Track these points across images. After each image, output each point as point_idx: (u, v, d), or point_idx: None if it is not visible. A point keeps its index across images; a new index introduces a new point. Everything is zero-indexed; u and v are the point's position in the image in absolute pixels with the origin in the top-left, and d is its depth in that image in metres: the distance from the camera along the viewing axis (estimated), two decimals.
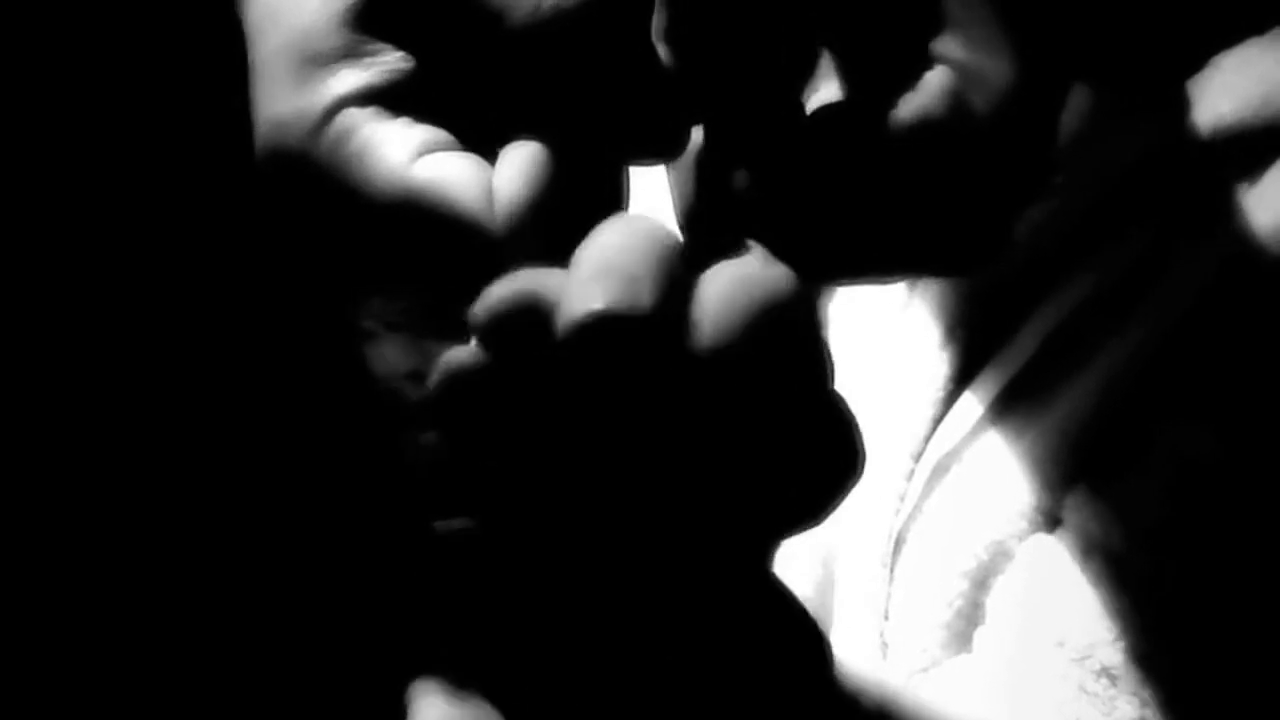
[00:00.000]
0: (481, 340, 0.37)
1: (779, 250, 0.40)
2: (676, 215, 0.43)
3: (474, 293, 0.39)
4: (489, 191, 0.40)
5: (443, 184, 0.40)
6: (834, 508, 0.39)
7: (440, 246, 0.40)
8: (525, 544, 0.37)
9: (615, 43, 0.40)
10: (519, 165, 0.40)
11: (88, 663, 0.85)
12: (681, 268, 0.37)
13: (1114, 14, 0.56)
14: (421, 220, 0.40)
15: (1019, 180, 0.42)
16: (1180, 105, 0.55)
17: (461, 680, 0.40)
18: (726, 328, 0.36)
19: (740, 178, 0.41)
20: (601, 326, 0.36)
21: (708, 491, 0.37)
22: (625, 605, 0.37)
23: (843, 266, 0.42)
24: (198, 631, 0.85)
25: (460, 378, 0.37)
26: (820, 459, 0.38)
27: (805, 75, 0.42)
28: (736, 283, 0.37)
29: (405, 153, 0.40)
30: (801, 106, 0.42)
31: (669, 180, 0.43)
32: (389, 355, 0.43)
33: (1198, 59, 0.55)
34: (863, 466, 0.39)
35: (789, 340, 0.37)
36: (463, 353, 0.37)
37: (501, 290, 0.37)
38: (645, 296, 0.36)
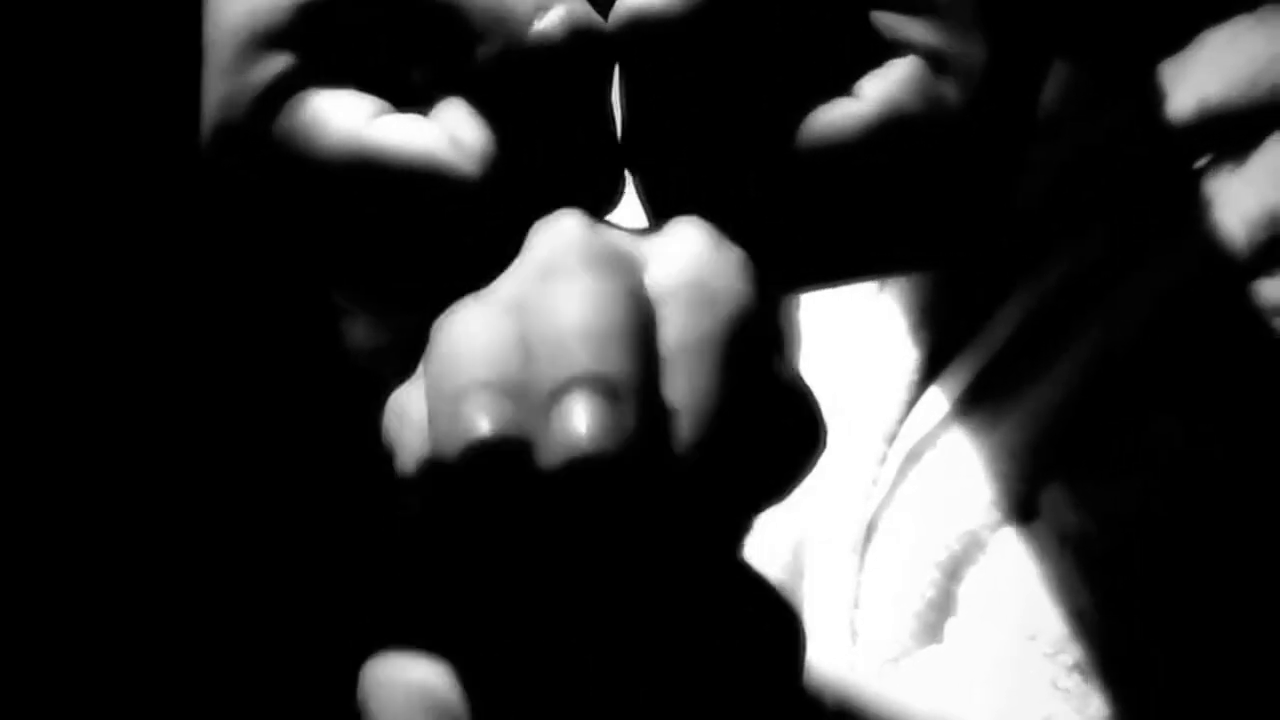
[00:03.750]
0: (453, 488, 0.36)
1: (755, 257, 0.39)
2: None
3: (453, 247, 0.39)
4: (453, 139, 0.39)
5: (404, 137, 0.39)
6: (799, 483, 0.38)
7: (411, 199, 0.39)
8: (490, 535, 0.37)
9: (592, 81, 0.40)
10: (470, 117, 0.40)
11: (88, 663, 0.85)
12: (646, 318, 0.36)
13: None
14: (388, 174, 0.39)
15: (998, 166, 0.41)
16: (1159, 85, 0.54)
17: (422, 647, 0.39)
18: (710, 406, 0.36)
19: (711, 180, 0.40)
20: (586, 472, 0.35)
21: (672, 474, 0.36)
22: (596, 591, 0.36)
23: (821, 269, 0.41)
24: (187, 629, 0.85)
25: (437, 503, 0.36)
26: (784, 435, 0.37)
27: (775, 74, 0.41)
28: (696, 311, 0.36)
29: (360, 116, 0.39)
30: (770, 103, 0.41)
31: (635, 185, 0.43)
32: (359, 332, 0.43)
33: (1184, 34, 0.54)
34: (825, 441, 0.38)
35: (749, 336, 0.37)
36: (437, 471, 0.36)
37: (470, 432, 0.36)
38: (630, 419, 0.35)
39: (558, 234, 0.37)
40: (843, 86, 0.40)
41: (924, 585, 0.53)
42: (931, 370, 0.55)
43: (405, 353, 0.41)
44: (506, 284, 0.38)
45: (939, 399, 0.54)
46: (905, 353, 0.56)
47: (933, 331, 0.56)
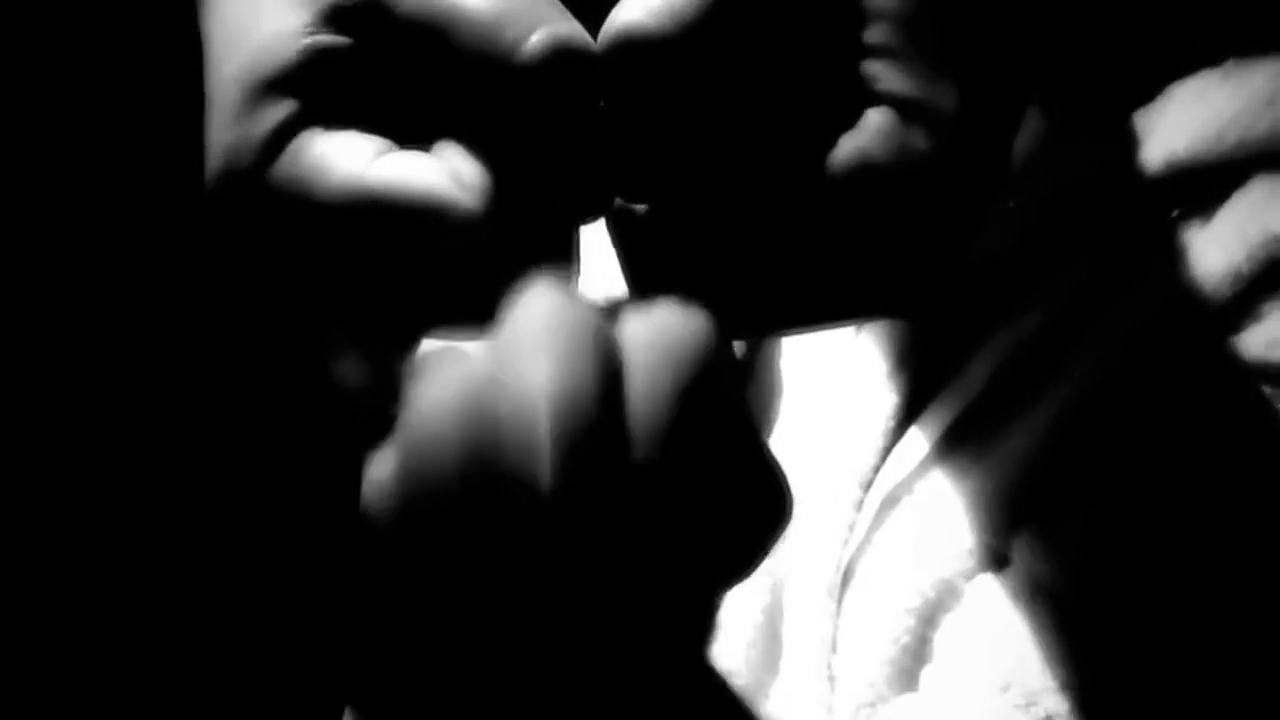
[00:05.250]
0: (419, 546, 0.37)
1: (724, 305, 0.40)
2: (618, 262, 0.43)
3: (452, 285, 0.39)
4: (454, 175, 0.39)
5: (407, 175, 0.40)
6: (762, 557, 0.39)
7: (414, 237, 0.39)
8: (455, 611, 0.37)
9: (578, 102, 0.40)
10: (468, 157, 0.40)
11: (87, 663, 0.85)
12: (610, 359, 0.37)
13: (1067, 39, 0.56)
14: (390, 214, 0.39)
15: (965, 215, 0.41)
16: (1131, 134, 0.54)
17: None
18: (661, 432, 0.36)
19: (682, 229, 0.41)
20: (556, 520, 0.36)
21: (642, 554, 0.37)
22: (562, 673, 0.37)
23: (790, 315, 0.42)
24: (178, 630, 0.84)
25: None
26: (748, 508, 0.38)
27: (749, 123, 0.41)
28: (660, 365, 0.37)
29: (362, 157, 0.40)
30: (744, 153, 0.41)
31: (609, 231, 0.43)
32: (348, 369, 0.43)
33: (1151, 87, 0.55)
34: (789, 515, 0.39)
35: (715, 407, 0.37)
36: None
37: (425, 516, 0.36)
38: (593, 473, 0.36)
39: (533, 299, 0.38)
40: (818, 128, 0.41)
41: (899, 631, 0.53)
42: (908, 416, 0.56)
43: (392, 390, 0.41)
44: (482, 347, 0.38)
45: (915, 445, 0.55)
46: (882, 399, 0.56)
47: (909, 378, 0.56)
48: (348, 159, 0.40)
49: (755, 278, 0.40)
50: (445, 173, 0.40)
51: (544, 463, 0.35)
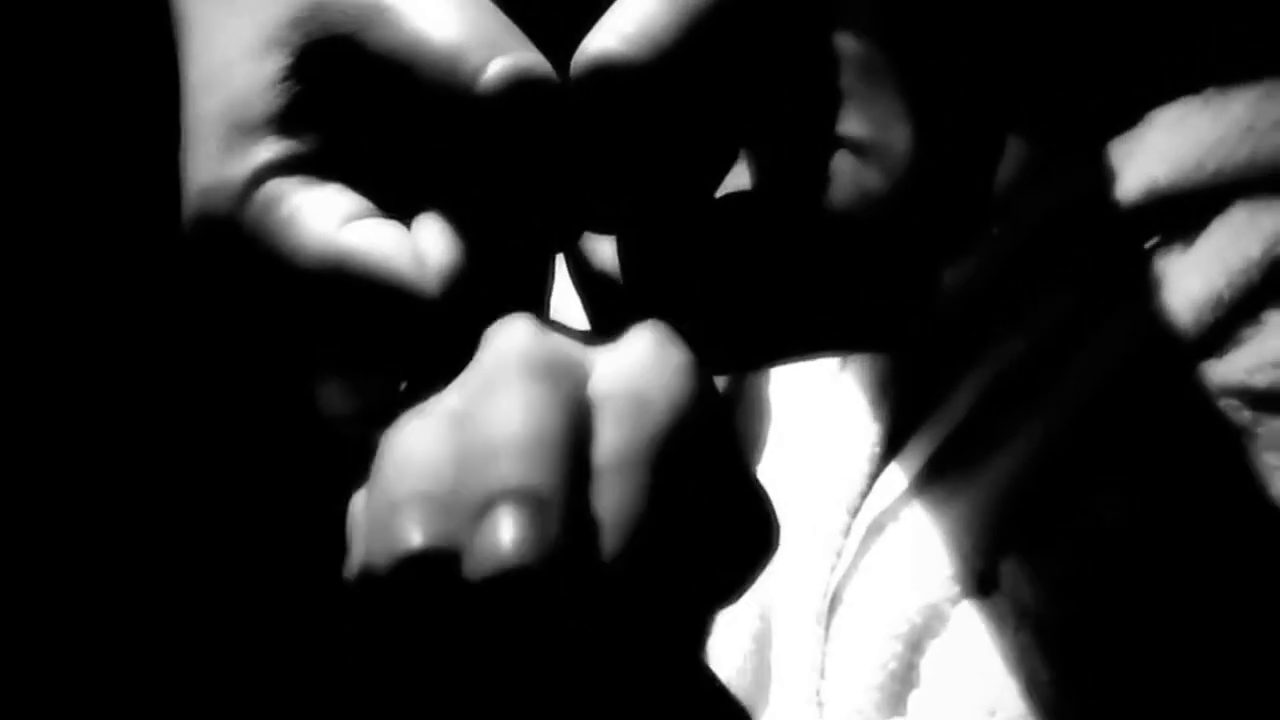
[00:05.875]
0: (382, 598, 0.37)
1: (695, 339, 0.40)
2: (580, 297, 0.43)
3: (405, 355, 0.40)
4: (417, 255, 0.40)
5: (372, 248, 0.40)
6: (752, 581, 0.39)
7: (372, 309, 0.40)
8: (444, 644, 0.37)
9: (540, 131, 0.40)
10: (440, 232, 0.40)
11: (87, 663, 0.84)
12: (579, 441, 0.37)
13: (1047, 69, 0.56)
14: (352, 284, 0.40)
15: (933, 250, 0.41)
16: (1111, 162, 0.55)
17: None
18: (635, 522, 0.37)
19: (652, 271, 0.41)
20: (512, 578, 0.36)
21: (599, 585, 0.37)
22: (552, 693, 0.37)
23: (761, 349, 0.42)
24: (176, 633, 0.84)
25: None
26: (733, 535, 0.38)
27: (717, 169, 0.42)
28: (629, 422, 0.37)
29: (333, 219, 0.40)
30: (711, 199, 0.41)
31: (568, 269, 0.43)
32: (331, 397, 0.43)
33: (1131, 115, 0.55)
34: (777, 540, 0.39)
35: (685, 445, 0.37)
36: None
37: (400, 544, 0.37)
38: (554, 531, 0.36)
39: (505, 339, 0.38)
40: (780, 183, 0.41)
41: (887, 657, 0.53)
42: (893, 444, 0.56)
43: (379, 416, 0.41)
44: (453, 393, 0.39)
45: (901, 472, 0.55)
46: (867, 426, 0.56)
47: (894, 406, 0.56)
48: (318, 218, 0.40)
49: (724, 312, 0.40)
50: (409, 251, 0.40)
51: (506, 544, 0.36)
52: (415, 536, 0.36)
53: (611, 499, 0.36)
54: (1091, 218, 0.55)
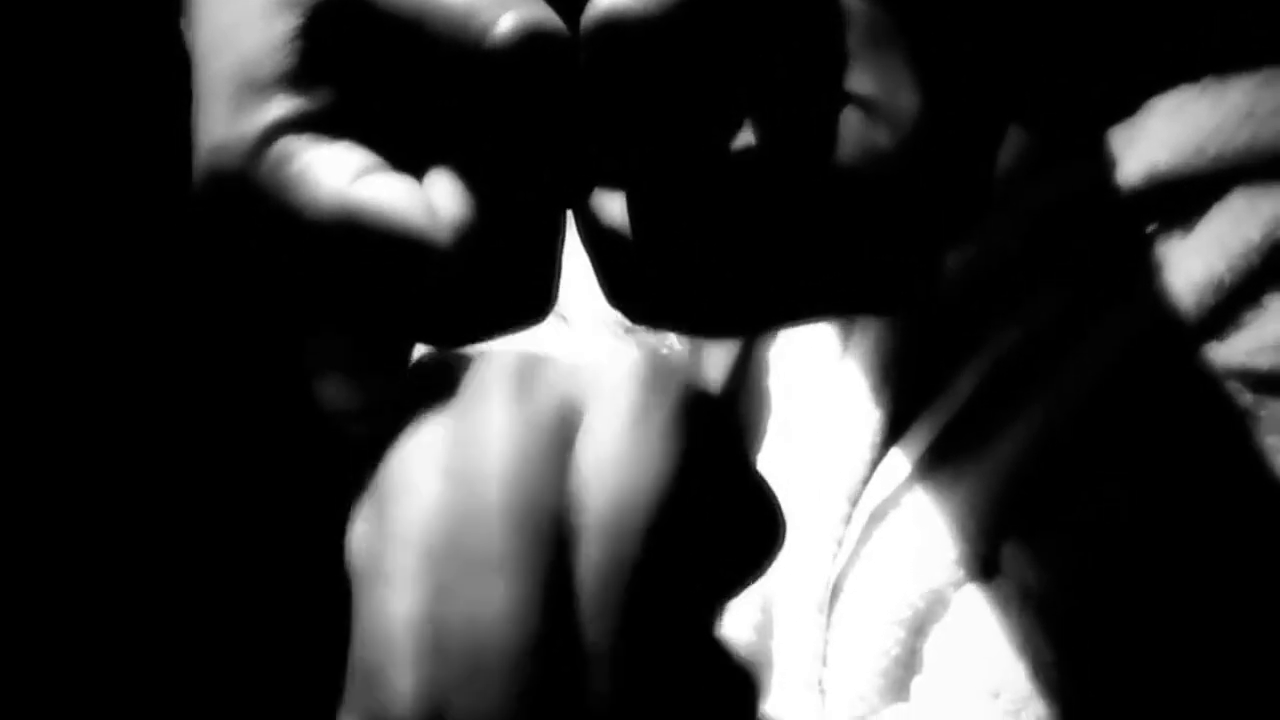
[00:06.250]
0: None
1: (700, 306, 0.40)
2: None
3: (416, 308, 0.40)
4: (429, 209, 0.40)
5: (385, 201, 0.40)
6: (760, 575, 0.39)
7: (385, 262, 0.40)
8: None
9: (550, 86, 0.40)
10: (452, 186, 0.40)
11: (87, 663, 0.84)
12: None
13: (1046, 53, 0.56)
14: (365, 236, 0.40)
15: (939, 214, 0.41)
16: (1111, 149, 0.55)
17: None
18: (620, 673, 0.37)
19: (660, 228, 0.41)
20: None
21: (640, 574, 0.37)
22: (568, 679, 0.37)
23: (768, 312, 0.42)
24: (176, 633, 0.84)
25: None
26: (741, 535, 0.39)
27: (725, 126, 0.42)
28: (610, 541, 0.38)
29: (345, 174, 0.40)
30: (721, 156, 0.41)
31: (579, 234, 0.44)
32: (331, 393, 0.43)
33: (1131, 103, 0.55)
34: (784, 537, 0.39)
35: (705, 452, 0.38)
36: None
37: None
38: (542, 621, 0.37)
39: (495, 383, 0.39)
40: (787, 141, 0.41)
41: (889, 643, 0.54)
42: (894, 432, 0.56)
43: (379, 415, 0.41)
44: (446, 437, 0.39)
45: (901, 460, 0.56)
46: (868, 414, 0.57)
47: (894, 394, 0.56)
48: (330, 174, 0.40)
49: (731, 269, 0.40)
50: (423, 204, 0.40)
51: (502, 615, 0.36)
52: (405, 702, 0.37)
53: (598, 634, 0.37)
54: (1092, 204, 0.55)
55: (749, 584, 0.39)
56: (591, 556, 0.37)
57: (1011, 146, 0.56)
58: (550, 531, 0.37)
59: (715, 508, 0.38)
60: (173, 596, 0.86)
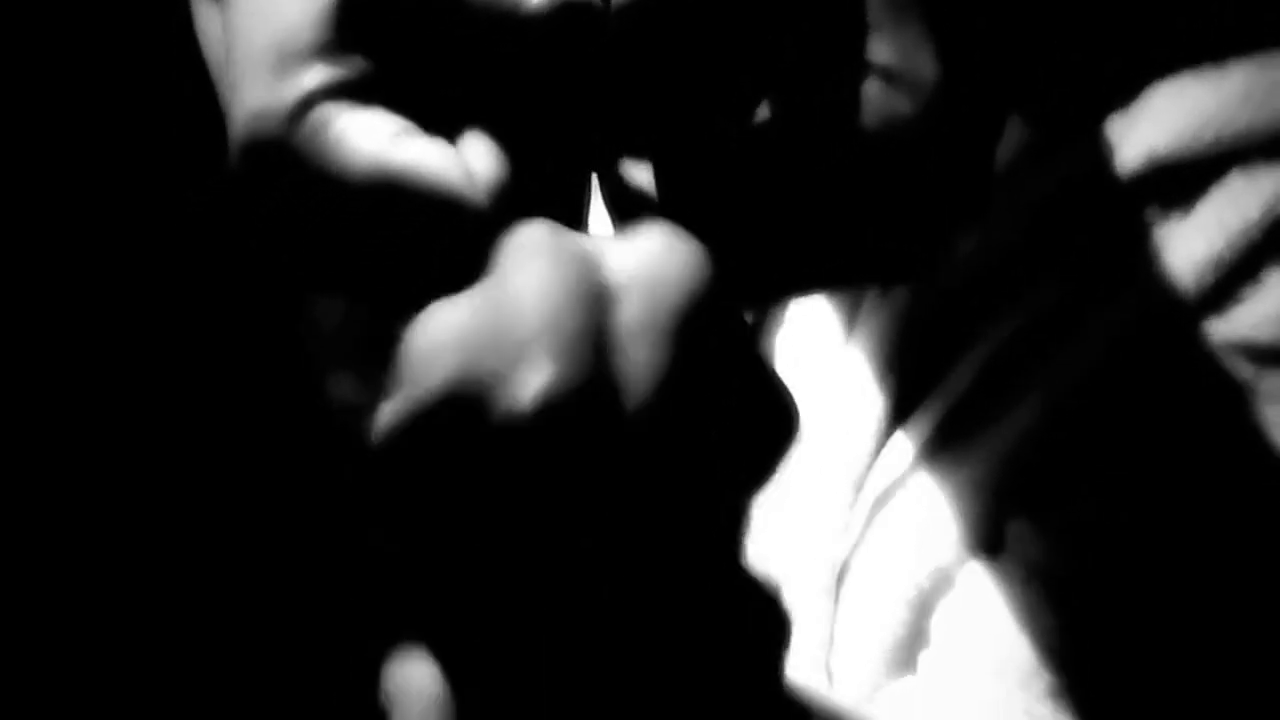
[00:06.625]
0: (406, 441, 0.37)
1: (731, 268, 0.41)
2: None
3: (450, 269, 0.40)
4: (466, 170, 0.40)
5: (422, 162, 0.40)
6: (775, 467, 0.39)
7: (423, 222, 0.40)
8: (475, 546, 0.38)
9: (583, 54, 0.41)
10: (487, 148, 0.41)
11: (87, 663, 0.85)
12: (602, 301, 0.38)
13: (1043, 43, 0.57)
14: (404, 197, 0.40)
15: (954, 184, 0.42)
16: (1110, 135, 0.56)
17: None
18: (658, 375, 0.37)
19: (686, 196, 0.42)
20: (550, 410, 0.37)
21: (654, 472, 0.38)
22: (588, 593, 0.38)
23: (793, 279, 0.42)
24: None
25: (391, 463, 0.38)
26: (753, 418, 0.39)
27: (751, 95, 0.43)
28: (648, 298, 0.38)
29: (382, 138, 0.41)
30: (746, 125, 0.42)
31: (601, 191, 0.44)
32: (340, 388, 0.44)
33: (1129, 90, 0.56)
34: (798, 425, 0.40)
35: (702, 320, 0.38)
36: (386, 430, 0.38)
37: (420, 390, 0.38)
38: (585, 366, 0.37)
39: (523, 234, 0.39)
40: (808, 107, 0.42)
41: (895, 623, 0.54)
42: (897, 416, 0.57)
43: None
44: (478, 291, 0.39)
45: (906, 443, 0.56)
46: (872, 400, 0.57)
47: (898, 381, 0.57)
48: (368, 136, 0.41)
49: (757, 235, 0.41)
50: (459, 165, 0.40)
51: (536, 385, 0.37)
52: (447, 374, 0.37)
53: (634, 360, 0.37)
54: (1091, 190, 0.55)
55: (767, 476, 0.39)
56: (629, 311, 0.38)
57: (1011, 138, 0.57)
58: (589, 282, 0.38)
59: (728, 394, 0.38)
60: (173, 596, 0.87)
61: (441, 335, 0.38)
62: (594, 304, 0.38)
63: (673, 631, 0.38)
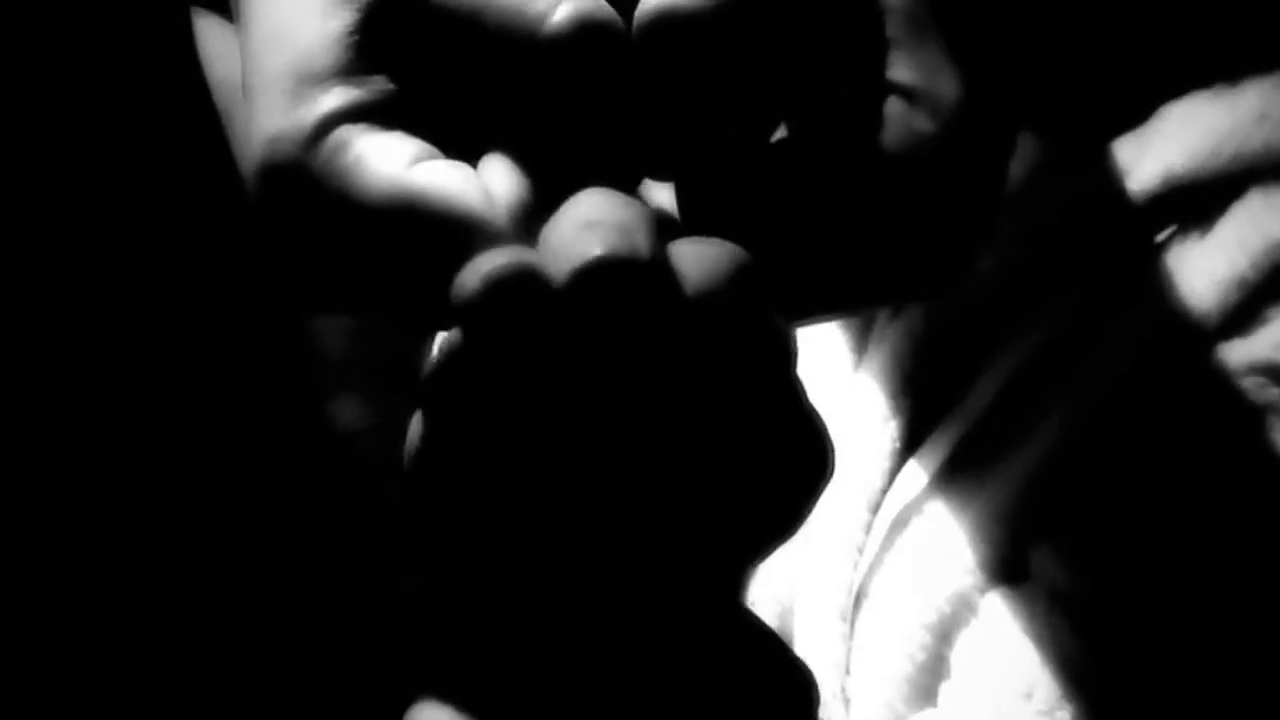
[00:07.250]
0: (470, 312, 0.38)
1: None
2: None
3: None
4: (485, 192, 0.40)
5: (442, 185, 0.40)
6: (807, 514, 0.40)
7: (443, 246, 0.40)
8: (494, 574, 0.38)
9: (603, 76, 0.41)
10: (507, 171, 0.41)
11: (87, 663, 0.85)
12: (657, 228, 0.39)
13: (1058, 61, 0.56)
14: (423, 220, 0.40)
15: (972, 201, 0.42)
16: (1124, 156, 0.55)
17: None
18: (711, 279, 0.39)
19: (709, 216, 0.42)
20: (602, 272, 0.38)
21: (688, 494, 0.37)
22: (602, 636, 0.37)
23: (818, 300, 0.42)
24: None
25: (456, 355, 0.39)
26: (793, 460, 0.39)
27: (772, 117, 0.43)
28: (707, 248, 0.39)
29: (401, 160, 0.41)
30: (767, 145, 0.42)
31: None
32: (345, 412, 0.43)
33: (1142, 109, 0.56)
34: (834, 467, 0.40)
35: (761, 303, 0.39)
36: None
37: (489, 260, 0.38)
38: (642, 243, 0.38)
39: (578, 198, 0.40)
40: (830, 128, 0.42)
41: (914, 649, 0.53)
42: (914, 439, 0.56)
43: (392, 437, 0.42)
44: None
45: (922, 467, 0.56)
46: (886, 423, 0.57)
47: (912, 403, 0.57)
48: (388, 159, 0.41)
49: (780, 256, 0.41)
50: (479, 187, 0.40)
51: (597, 248, 0.38)
52: (503, 257, 0.38)
53: (693, 252, 0.39)
54: (1107, 210, 0.55)
55: (799, 523, 0.39)
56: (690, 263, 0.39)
57: (1023, 157, 0.56)
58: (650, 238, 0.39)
59: (763, 433, 0.39)
60: (173, 596, 0.87)
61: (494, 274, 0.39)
62: (650, 216, 0.39)
63: (697, 687, 0.38)
